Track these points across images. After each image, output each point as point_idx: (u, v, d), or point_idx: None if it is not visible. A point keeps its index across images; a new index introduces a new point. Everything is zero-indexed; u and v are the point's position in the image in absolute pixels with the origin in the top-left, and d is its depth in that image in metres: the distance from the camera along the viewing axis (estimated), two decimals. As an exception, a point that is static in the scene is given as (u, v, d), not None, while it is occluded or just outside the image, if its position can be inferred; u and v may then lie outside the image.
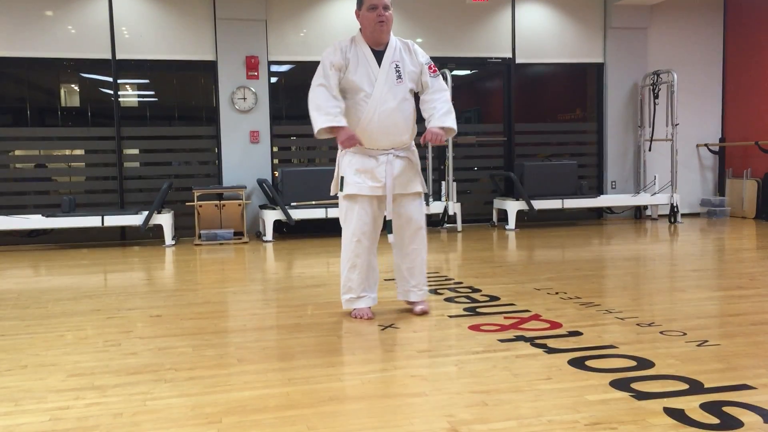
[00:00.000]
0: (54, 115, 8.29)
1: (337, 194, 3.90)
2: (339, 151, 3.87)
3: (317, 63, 3.81)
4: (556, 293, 4.50)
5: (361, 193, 3.74)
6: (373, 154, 3.77)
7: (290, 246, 7.36)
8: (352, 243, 3.79)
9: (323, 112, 3.64)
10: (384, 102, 3.70)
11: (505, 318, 3.84)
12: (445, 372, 2.91)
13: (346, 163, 3.80)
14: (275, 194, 7.81)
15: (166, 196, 7.69)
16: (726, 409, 2.40)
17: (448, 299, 4.40)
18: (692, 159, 9.75)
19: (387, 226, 3.81)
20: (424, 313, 3.93)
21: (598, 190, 9.49)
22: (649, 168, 9.40)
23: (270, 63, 8.45)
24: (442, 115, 3.77)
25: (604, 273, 5.46)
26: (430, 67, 3.82)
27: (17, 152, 8.27)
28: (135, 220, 7.48)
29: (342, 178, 3.80)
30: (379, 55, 3.76)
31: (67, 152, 8.38)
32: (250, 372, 2.95)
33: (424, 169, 8.81)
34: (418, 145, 4.04)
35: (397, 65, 3.75)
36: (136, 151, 8.51)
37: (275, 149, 8.64)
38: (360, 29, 3.80)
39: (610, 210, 9.50)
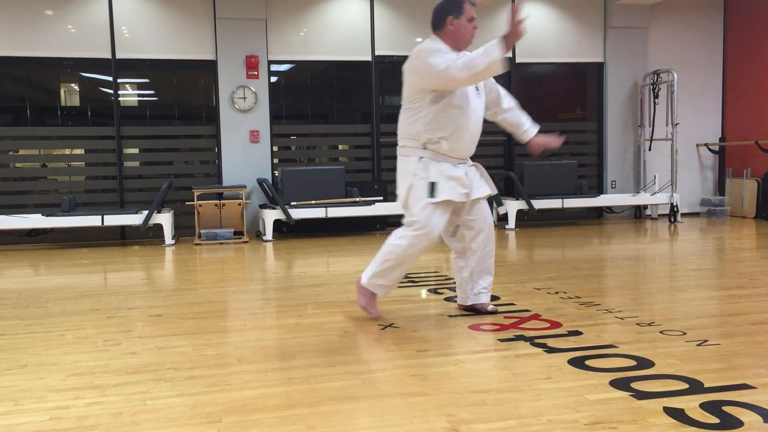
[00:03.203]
0: (54, 114, 8.29)
1: (406, 203, 3.69)
2: (413, 158, 3.67)
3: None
4: (556, 293, 4.50)
5: (455, 198, 3.64)
6: (454, 163, 3.69)
7: (290, 245, 7.36)
8: (411, 245, 3.65)
9: (477, 54, 3.41)
10: (475, 111, 3.70)
11: (504, 317, 3.84)
12: (445, 372, 2.91)
13: (436, 170, 3.63)
14: (275, 194, 7.81)
15: (166, 196, 7.69)
16: (726, 408, 2.40)
17: (448, 299, 4.40)
18: (692, 158, 9.75)
19: (496, 200, 3.93)
20: (495, 312, 3.92)
21: (598, 190, 9.50)
22: (649, 167, 9.40)
23: (270, 62, 8.45)
24: (532, 123, 3.97)
25: (604, 272, 5.46)
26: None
27: (17, 152, 8.26)
28: (135, 219, 7.48)
29: (433, 184, 3.61)
30: None
31: (67, 152, 8.39)
32: (250, 371, 2.95)
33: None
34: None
35: None
36: (136, 151, 8.51)
37: (275, 149, 8.64)
38: (442, 35, 3.66)
39: (610, 209, 9.50)
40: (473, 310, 3.95)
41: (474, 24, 3.69)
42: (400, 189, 3.73)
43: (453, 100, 3.61)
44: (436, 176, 3.62)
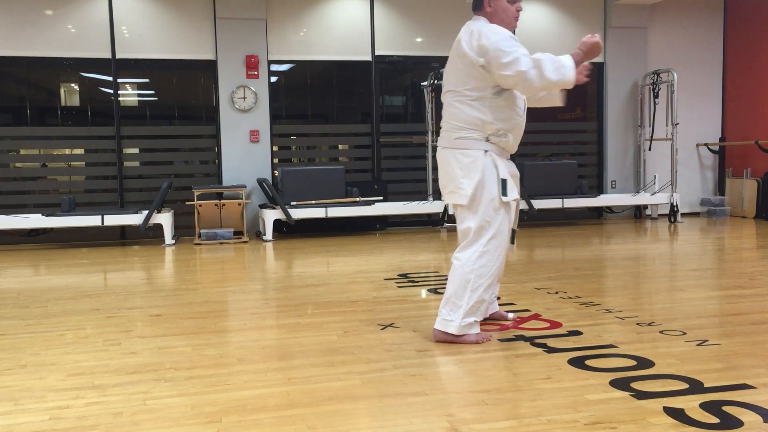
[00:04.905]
0: (54, 114, 8.29)
1: (474, 202, 3.28)
2: (476, 151, 3.28)
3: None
4: (556, 293, 4.50)
5: (517, 199, 3.38)
6: (507, 158, 3.40)
7: (290, 245, 7.36)
8: (500, 257, 3.30)
9: (556, 61, 3.17)
10: (525, 102, 3.42)
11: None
12: (445, 372, 2.91)
13: (503, 166, 3.30)
14: (275, 193, 7.81)
15: (165, 196, 7.69)
16: (726, 408, 2.40)
17: (448, 299, 4.39)
18: (692, 158, 9.75)
19: (512, 237, 3.50)
20: (515, 319, 3.72)
21: (598, 190, 9.50)
22: (649, 167, 9.40)
23: (270, 62, 8.45)
24: None
25: (604, 272, 5.46)
26: None
27: (18, 152, 8.26)
28: (135, 219, 7.48)
29: (504, 181, 3.27)
30: None
31: (67, 151, 8.39)
32: (250, 371, 2.95)
33: (425, 168, 8.86)
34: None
35: None
36: (136, 151, 8.51)
37: (275, 148, 8.64)
38: (484, 17, 3.33)
39: (610, 209, 9.50)
40: (492, 320, 3.70)
41: (518, 6, 3.33)
42: (466, 185, 3.26)
43: (516, 92, 3.32)
44: (504, 173, 3.29)
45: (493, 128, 3.27)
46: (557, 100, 3.62)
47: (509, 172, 3.34)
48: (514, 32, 3.35)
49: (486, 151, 3.28)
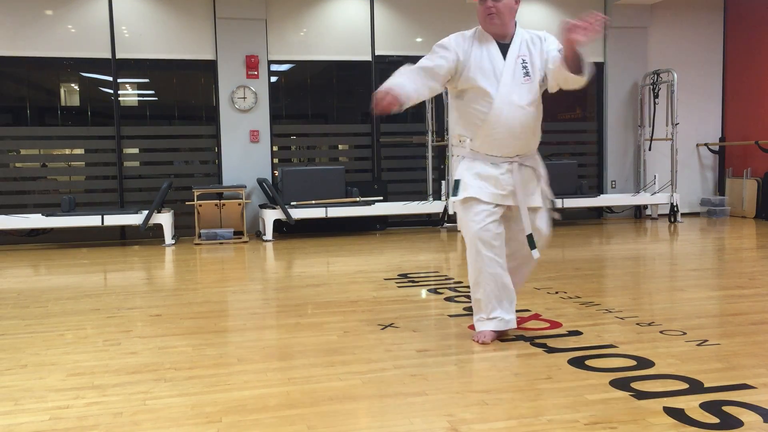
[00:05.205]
0: (54, 114, 8.29)
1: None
2: (454, 156, 3.42)
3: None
4: (556, 293, 4.50)
5: (481, 198, 3.24)
6: (495, 162, 3.28)
7: (290, 245, 7.36)
8: (470, 256, 3.30)
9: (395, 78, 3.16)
10: (510, 102, 3.23)
11: (505, 317, 3.82)
12: (445, 372, 2.91)
13: (464, 167, 3.31)
14: (275, 193, 7.81)
15: (165, 196, 7.69)
16: (726, 408, 2.40)
17: (448, 299, 4.40)
18: (692, 158, 9.75)
19: (530, 242, 3.37)
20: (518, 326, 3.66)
21: (598, 190, 9.49)
22: (649, 167, 9.40)
23: (270, 62, 8.45)
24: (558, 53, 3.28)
25: (604, 272, 5.46)
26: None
27: (18, 152, 8.27)
28: (135, 219, 7.48)
29: (457, 182, 3.30)
30: (504, 49, 3.29)
31: (67, 151, 8.39)
32: (250, 371, 2.95)
33: (425, 168, 8.85)
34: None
35: (524, 60, 3.30)
36: (136, 151, 8.51)
37: (275, 148, 8.64)
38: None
39: (610, 209, 9.50)
40: None
41: (487, 5, 3.24)
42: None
43: (480, 92, 3.22)
44: (462, 173, 3.30)
45: (458, 134, 3.39)
46: (576, 81, 3.34)
47: (478, 172, 3.26)
48: (494, 29, 3.27)
49: (455, 156, 3.44)
